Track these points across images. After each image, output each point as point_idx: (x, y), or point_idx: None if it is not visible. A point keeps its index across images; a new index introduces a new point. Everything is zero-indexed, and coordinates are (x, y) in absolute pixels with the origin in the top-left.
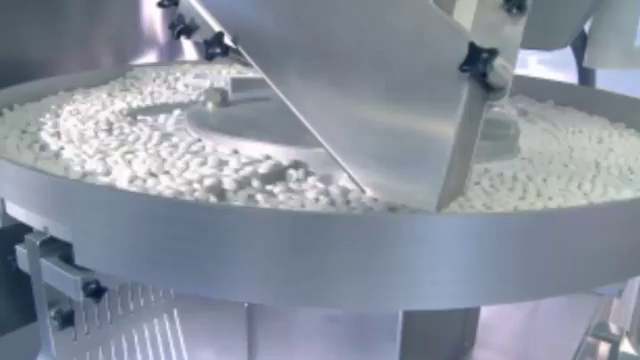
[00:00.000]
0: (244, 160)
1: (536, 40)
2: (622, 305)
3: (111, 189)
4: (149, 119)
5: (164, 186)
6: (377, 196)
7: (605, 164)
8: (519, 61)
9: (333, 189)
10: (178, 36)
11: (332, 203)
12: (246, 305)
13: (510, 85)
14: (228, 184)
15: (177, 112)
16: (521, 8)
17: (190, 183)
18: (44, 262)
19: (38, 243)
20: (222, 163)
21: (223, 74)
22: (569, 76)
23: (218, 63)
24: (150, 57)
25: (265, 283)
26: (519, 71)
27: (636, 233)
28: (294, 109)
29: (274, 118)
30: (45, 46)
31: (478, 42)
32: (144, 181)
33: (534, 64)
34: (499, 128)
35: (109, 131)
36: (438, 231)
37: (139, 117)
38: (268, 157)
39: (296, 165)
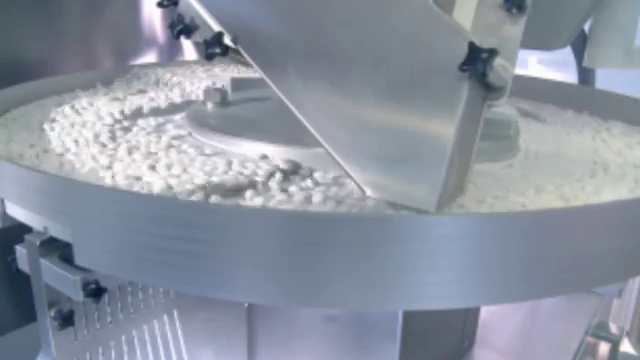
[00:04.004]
0: (243, 160)
1: (536, 40)
2: (622, 305)
3: (111, 189)
4: (149, 119)
5: (164, 186)
6: (377, 196)
7: (605, 163)
8: (519, 61)
9: (333, 189)
10: (178, 36)
11: (332, 203)
12: (246, 305)
13: (510, 85)
14: (228, 184)
15: (177, 112)
16: (521, 8)
17: (190, 183)
18: (44, 262)
19: (38, 243)
20: (222, 163)
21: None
22: (569, 76)
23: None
24: (150, 57)
25: (265, 283)
26: (519, 71)
27: (636, 233)
28: (294, 109)
29: (274, 118)
30: (45, 46)
31: (478, 42)
32: (144, 181)
33: (534, 64)
34: (499, 128)
35: (109, 131)
36: (438, 231)
37: (139, 117)
38: (267, 157)
39: (296, 165)
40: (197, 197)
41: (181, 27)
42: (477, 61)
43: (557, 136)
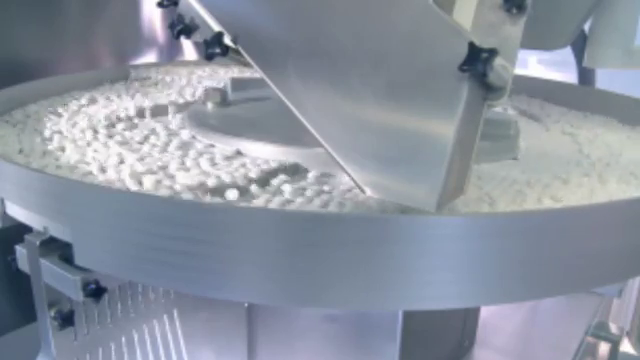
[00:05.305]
0: (243, 160)
1: (536, 40)
2: (622, 305)
3: (111, 189)
4: (149, 119)
5: (164, 186)
6: (377, 196)
7: (605, 162)
8: (519, 61)
9: (333, 189)
10: (178, 36)
11: (332, 203)
12: (246, 305)
13: (510, 85)
14: (228, 184)
15: (177, 112)
16: (521, 8)
17: (190, 183)
18: (44, 262)
19: (38, 243)
20: (222, 163)
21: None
22: (569, 76)
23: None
24: (150, 57)
25: (265, 283)
26: (519, 71)
27: (636, 233)
28: (294, 109)
29: (274, 118)
30: (45, 46)
31: (478, 42)
32: (144, 181)
33: (534, 64)
34: (499, 128)
35: (109, 131)
36: (438, 231)
37: (139, 117)
38: (268, 157)
39: (296, 165)
40: (197, 197)
41: (181, 27)
42: (477, 61)
43: (557, 136)
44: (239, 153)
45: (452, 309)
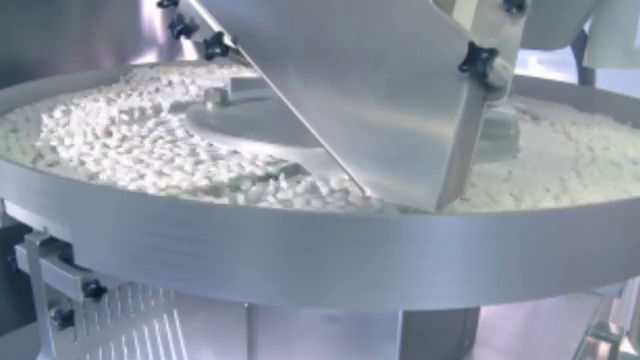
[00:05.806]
0: (244, 160)
1: (536, 40)
2: (622, 305)
3: (111, 189)
4: (148, 119)
5: (164, 186)
6: (377, 196)
7: (606, 162)
8: (519, 61)
9: (333, 189)
10: (178, 36)
11: (332, 203)
12: (246, 305)
13: (510, 85)
14: (227, 184)
15: (177, 112)
16: (521, 8)
17: (189, 183)
18: (44, 262)
19: (38, 243)
20: (222, 163)
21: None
22: (569, 76)
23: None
24: (150, 57)
25: (265, 283)
26: (519, 71)
27: (636, 233)
28: (293, 109)
29: (274, 118)
30: (45, 46)
31: (478, 42)
32: (143, 181)
33: (534, 64)
34: (499, 128)
35: (109, 131)
36: (438, 231)
37: (138, 117)
38: (268, 157)
39: (296, 165)
40: (196, 197)
41: (181, 27)
42: (477, 61)
43: (557, 136)
44: (238, 153)
45: (452, 309)
